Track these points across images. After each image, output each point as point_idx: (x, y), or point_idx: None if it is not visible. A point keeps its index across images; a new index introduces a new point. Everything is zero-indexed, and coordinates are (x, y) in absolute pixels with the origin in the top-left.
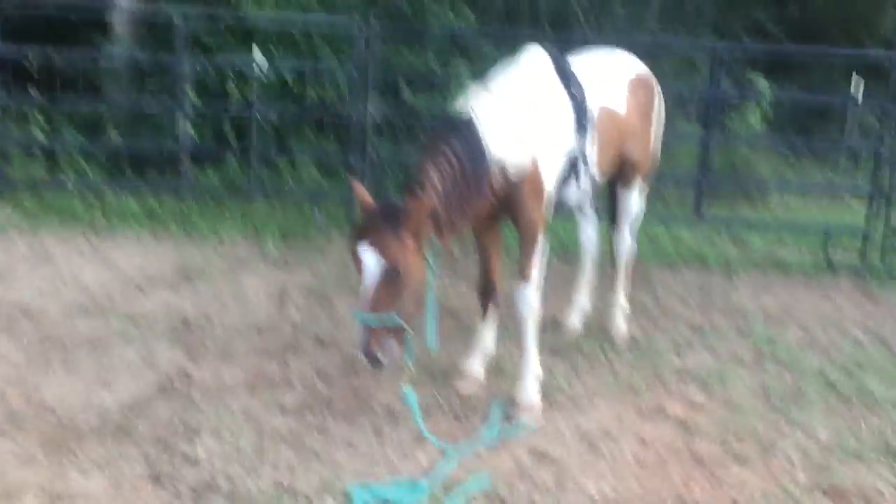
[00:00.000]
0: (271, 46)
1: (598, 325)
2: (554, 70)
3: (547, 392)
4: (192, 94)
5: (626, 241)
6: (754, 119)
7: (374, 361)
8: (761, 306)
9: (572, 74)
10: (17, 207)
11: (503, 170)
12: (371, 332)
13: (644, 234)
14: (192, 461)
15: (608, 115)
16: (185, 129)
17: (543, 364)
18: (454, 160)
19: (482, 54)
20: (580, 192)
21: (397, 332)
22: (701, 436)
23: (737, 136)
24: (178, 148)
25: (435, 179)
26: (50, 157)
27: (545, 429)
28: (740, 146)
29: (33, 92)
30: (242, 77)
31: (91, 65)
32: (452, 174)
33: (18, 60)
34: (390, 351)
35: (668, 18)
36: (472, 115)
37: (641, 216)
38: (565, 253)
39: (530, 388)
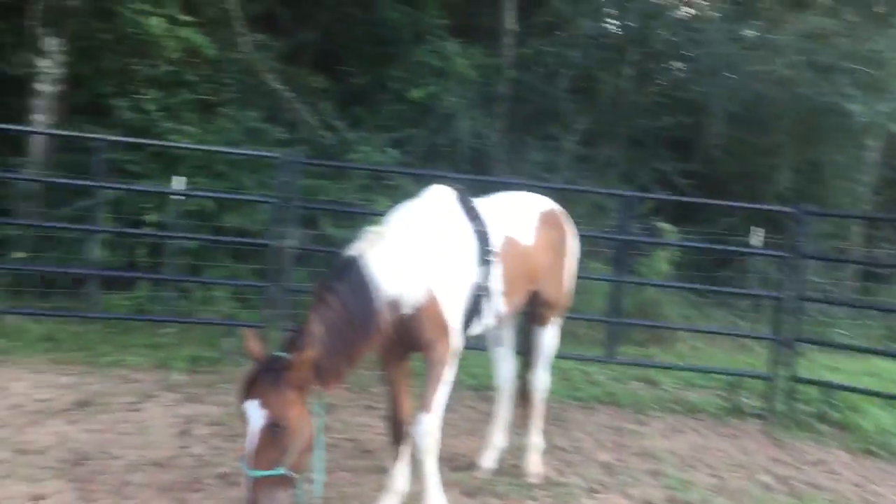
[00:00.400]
0: (194, 175)
1: (511, 464)
2: (457, 204)
3: None
4: (107, 218)
5: (541, 379)
6: (662, 263)
7: None
8: (672, 448)
9: (475, 210)
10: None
11: (395, 304)
12: (257, 486)
13: (558, 372)
14: None
15: (513, 245)
16: (96, 251)
17: None
18: (338, 305)
19: (403, 190)
20: (487, 325)
21: (285, 482)
22: None
23: (645, 279)
24: (87, 271)
25: (317, 329)
26: None
27: None
28: (649, 289)
29: None
30: (162, 202)
31: (2, 185)
32: (336, 320)
33: None
34: (278, 502)
35: (581, 166)
36: (359, 255)
37: (555, 352)
38: (479, 388)
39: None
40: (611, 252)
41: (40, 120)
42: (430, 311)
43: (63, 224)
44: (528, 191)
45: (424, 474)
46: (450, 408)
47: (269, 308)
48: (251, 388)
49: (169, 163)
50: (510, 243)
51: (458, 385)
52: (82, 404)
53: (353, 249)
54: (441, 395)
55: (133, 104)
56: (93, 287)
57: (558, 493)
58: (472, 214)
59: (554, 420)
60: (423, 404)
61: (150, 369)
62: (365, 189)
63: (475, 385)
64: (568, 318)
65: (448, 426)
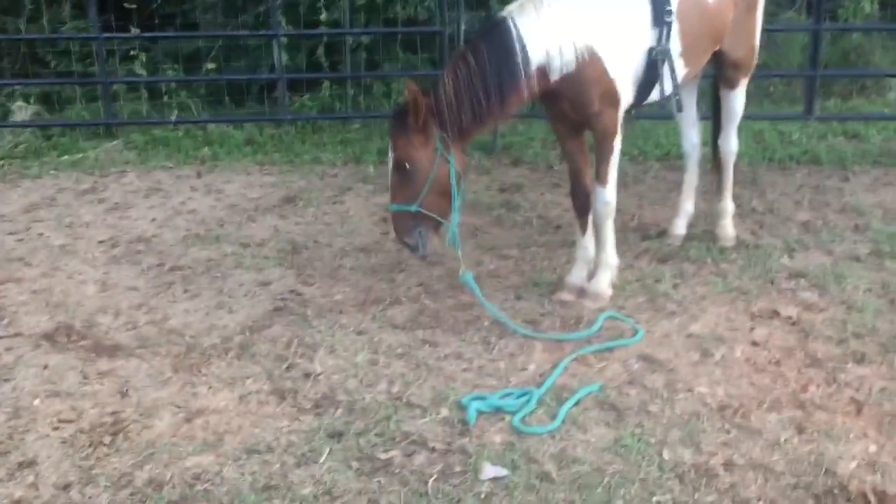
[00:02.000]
0: None
1: (704, 230)
2: None
3: (654, 298)
4: (284, 22)
5: (731, 143)
6: (867, 3)
7: (405, 245)
8: (879, 202)
9: None
10: (127, 143)
11: (544, 69)
12: (398, 220)
13: (751, 134)
14: (312, 376)
15: (694, 4)
16: (280, 56)
17: (651, 272)
18: (474, 62)
19: None
20: (667, 90)
21: (427, 221)
22: (816, 336)
23: (848, 25)
24: (273, 76)
25: (448, 82)
26: (153, 93)
27: (654, 334)
28: (853, 35)
29: (134, 31)
30: (332, 1)
31: (187, 0)
32: (470, 76)
33: (119, 2)
34: (421, 237)
35: None
36: (507, 17)
37: (742, 113)
38: (665, 158)
39: (602, 278)
40: None
41: None
42: (592, 75)
43: (243, 32)
44: None
45: (601, 236)
46: (636, 179)
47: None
48: (391, 132)
49: None
50: (691, 1)
51: (644, 155)
52: (289, 200)
53: (504, 11)
54: (611, 164)
55: None
56: (281, 90)
57: (754, 254)
58: None
59: (748, 183)
60: (597, 177)
61: (344, 164)
62: None
63: (660, 155)
64: (760, 75)
65: (635, 197)
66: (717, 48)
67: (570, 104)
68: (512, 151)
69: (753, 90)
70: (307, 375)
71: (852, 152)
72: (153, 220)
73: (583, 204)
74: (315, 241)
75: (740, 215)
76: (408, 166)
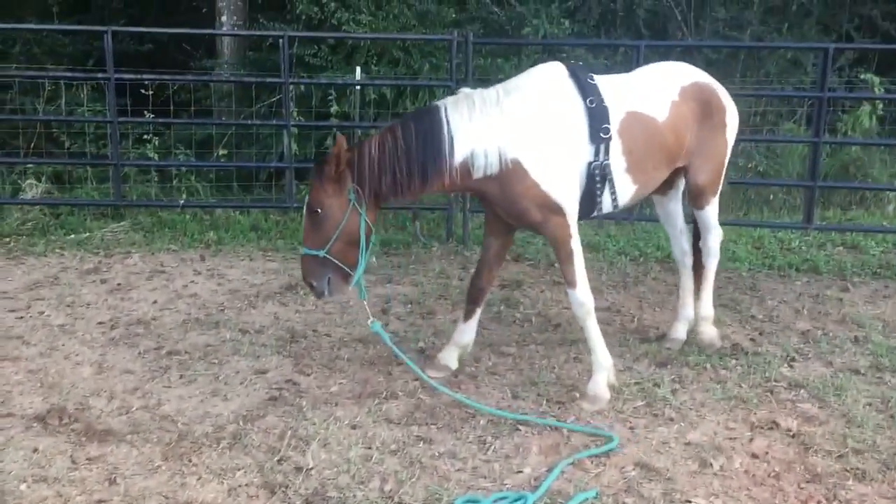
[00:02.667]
0: (371, 63)
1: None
2: (567, 80)
3: (652, 403)
4: (295, 112)
5: (709, 245)
6: (865, 118)
7: (310, 287)
8: (879, 315)
9: (591, 85)
10: (134, 224)
11: (467, 165)
12: (307, 263)
13: (750, 240)
14: (304, 471)
15: (639, 120)
16: (290, 145)
17: (650, 376)
18: (401, 139)
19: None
20: (619, 203)
21: (336, 268)
22: (817, 450)
23: (848, 139)
24: (282, 164)
25: (375, 145)
26: (163, 176)
27: (652, 441)
28: (852, 148)
29: (149, 116)
30: (343, 93)
31: (201, 87)
32: (393, 146)
33: (136, 86)
34: (329, 284)
35: (771, 18)
36: (442, 107)
37: (716, 219)
38: (666, 260)
39: (598, 380)
40: (808, 110)
41: (227, 21)
42: (520, 187)
43: (255, 121)
44: (713, 52)
45: (588, 338)
46: (637, 280)
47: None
48: (310, 179)
49: (346, 53)
50: (635, 118)
51: (644, 257)
52: (290, 287)
53: (440, 101)
54: (575, 267)
55: None
56: (289, 179)
57: (753, 362)
58: (587, 90)
59: (747, 289)
60: (565, 280)
61: None
62: (538, 63)
63: (661, 257)
64: (760, 183)
65: (636, 298)
66: (678, 165)
67: (505, 213)
68: (513, 248)
69: (754, 197)
70: (299, 469)
71: (852, 263)
72: (154, 302)
73: (474, 295)
74: (314, 330)
75: (740, 321)
76: (319, 211)
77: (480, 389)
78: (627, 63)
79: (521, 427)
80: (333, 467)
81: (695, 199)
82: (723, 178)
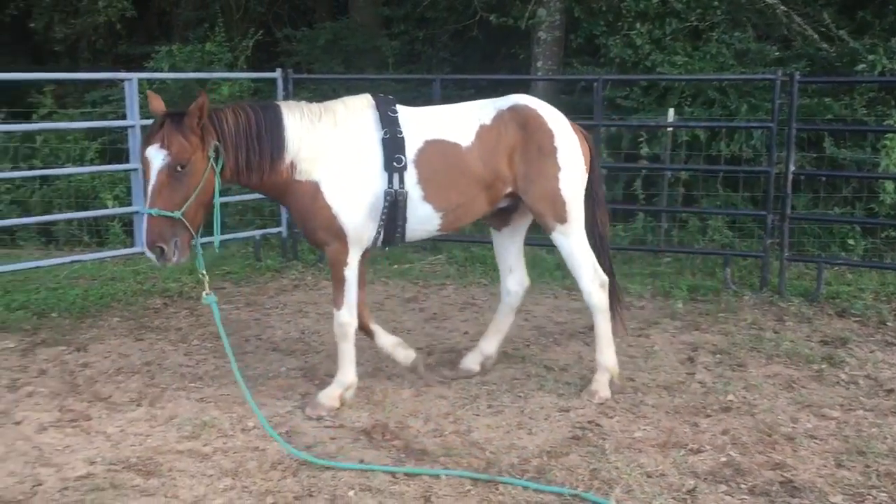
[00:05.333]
0: (684, 104)
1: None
2: (370, 112)
3: None
4: (605, 154)
5: (586, 294)
6: None
7: (157, 251)
8: None
9: (392, 116)
10: (449, 258)
11: (293, 163)
12: (156, 225)
13: None
14: None
15: (438, 148)
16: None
17: None
18: (253, 120)
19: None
20: (426, 230)
21: (184, 232)
22: None
23: None
24: None
25: (230, 113)
26: None
27: None
28: None
29: None
30: (654, 135)
31: None
32: (248, 125)
33: None
34: (177, 247)
35: None
36: (281, 106)
37: (587, 263)
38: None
39: (330, 391)
40: None
41: (542, 66)
42: (313, 205)
43: None
44: None
45: (339, 355)
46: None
47: (768, 237)
48: (154, 135)
49: (659, 95)
50: (434, 147)
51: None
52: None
53: (278, 102)
54: (343, 292)
55: (624, 40)
56: None
57: None
58: (387, 121)
59: None
60: (332, 301)
61: (652, 297)
62: (874, 103)
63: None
64: None
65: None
66: (506, 191)
67: (299, 225)
68: (838, 301)
69: None
70: None
71: None
72: (465, 332)
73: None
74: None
75: None
76: (179, 169)
77: (799, 453)
78: None
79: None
80: None
81: (542, 227)
82: (573, 206)
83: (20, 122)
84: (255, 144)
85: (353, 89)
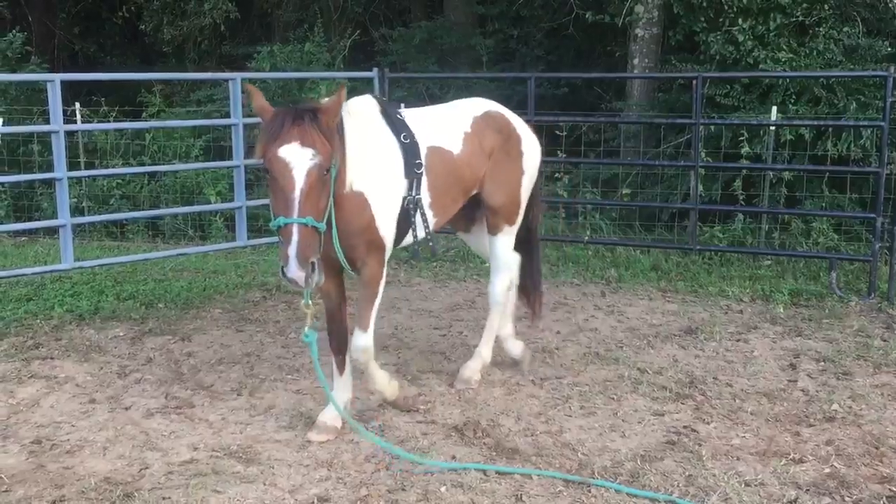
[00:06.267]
0: (788, 102)
1: None
2: (379, 117)
3: None
4: (703, 153)
5: (495, 291)
6: None
7: (310, 271)
8: None
9: (402, 121)
10: (542, 258)
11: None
12: (305, 237)
13: None
14: None
15: (440, 155)
16: (696, 186)
17: None
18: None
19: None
20: (419, 237)
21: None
22: None
23: None
24: (686, 205)
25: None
26: (570, 212)
27: None
28: None
29: (561, 156)
30: (756, 134)
31: (610, 128)
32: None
33: (551, 127)
34: (316, 265)
35: None
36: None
37: (511, 262)
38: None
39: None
40: None
41: (638, 63)
42: (361, 221)
43: (662, 162)
44: None
45: (368, 378)
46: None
47: (877, 240)
48: (288, 133)
49: (761, 93)
50: (437, 154)
51: None
52: (690, 331)
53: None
54: (370, 311)
55: (725, 37)
56: (692, 220)
57: None
58: (398, 126)
59: None
60: (358, 322)
61: (751, 301)
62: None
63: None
64: None
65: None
66: (473, 193)
67: (344, 238)
68: None
69: None
70: None
71: None
72: (557, 332)
73: (339, 343)
74: (715, 377)
75: None
76: (326, 173)
77: None
78: None
79: None
80: None
81: (489, 224)
82: (521, 210)
83: (131, 121)
84: (344, 151)
85: (447, 87)
